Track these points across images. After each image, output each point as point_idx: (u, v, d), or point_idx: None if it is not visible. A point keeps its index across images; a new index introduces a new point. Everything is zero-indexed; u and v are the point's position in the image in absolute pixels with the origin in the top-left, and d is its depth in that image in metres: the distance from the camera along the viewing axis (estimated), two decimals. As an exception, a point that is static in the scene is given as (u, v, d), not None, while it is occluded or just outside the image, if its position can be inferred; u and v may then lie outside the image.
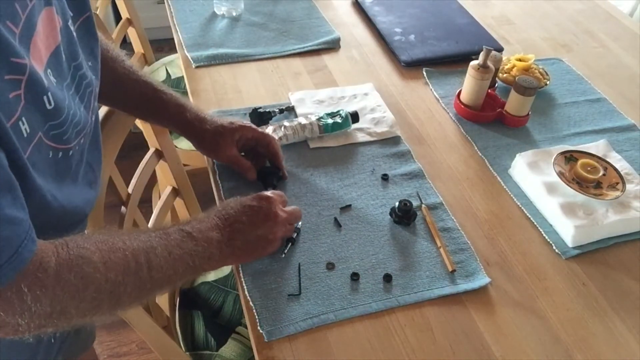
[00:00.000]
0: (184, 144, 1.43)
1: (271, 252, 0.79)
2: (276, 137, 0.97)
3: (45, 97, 0.55)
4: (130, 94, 0.86)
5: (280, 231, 0.77)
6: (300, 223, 0.85)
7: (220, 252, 0.71)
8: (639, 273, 0.85)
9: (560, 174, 0.92)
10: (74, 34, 0.61)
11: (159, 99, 0.87)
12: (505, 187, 0.97)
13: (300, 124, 0.99)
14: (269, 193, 0.78)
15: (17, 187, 0.51)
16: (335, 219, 0.87)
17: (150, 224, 1.05)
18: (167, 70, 1.68)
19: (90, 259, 0.56)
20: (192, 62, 1.19)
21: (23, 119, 0.52)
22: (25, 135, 0.53)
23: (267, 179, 0.90)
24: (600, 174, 0.93)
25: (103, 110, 0.88)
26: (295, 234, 0.83)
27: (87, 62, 0.66)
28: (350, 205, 0.89)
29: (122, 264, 0.59)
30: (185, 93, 1.33)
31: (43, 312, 0.53)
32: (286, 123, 0.99)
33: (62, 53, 0.60)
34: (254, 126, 0.91)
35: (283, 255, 0.81)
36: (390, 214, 0.88)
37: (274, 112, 1.04)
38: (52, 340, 0.79)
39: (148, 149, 1.07)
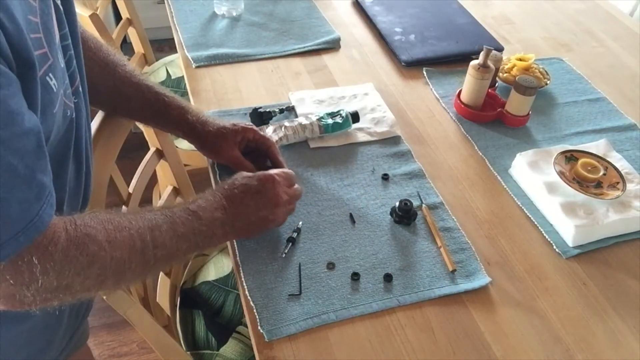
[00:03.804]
0: (184, 144, 1.43)
1: (273, 228, 0.83)
2: (276, 137, 0.97)
3: (59, 54, 0.57)
4: (131, 98, 0.86)
5: (281, 211, 0.80)
6: (300, 223, 0.85)
7: (223, 231, 0.74)
8: (639, 272, 0.85)
9: (561, 174, 0.92)
10: (60, 7, 0.62)
11: (160, 102, 0.87)
12: (505, 186, 0.97)
13: (300, 124, 0.99)
14: (274, 173, 0.80)
15: (46, 154, 0.53)
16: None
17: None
18: (167, 70, 1.68)
19: (96, 238, 0.58)
20: (192, 62, 1.19)
21: (50, 74, 0.54)
22: (54, 89, 0.55)
23: None
24: (601, 173, 0.93)
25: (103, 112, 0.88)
26: (296, 234, 0.83)
27: (71, 37, 0.66)
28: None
29: (128, 242, 0.61)
30: (185, 93, 1.33)
31: (49, 285, 0.54)
32: (286, 123, 0.99)
33: (53, 20, 0.60)
34: (255, 128, 0.91)
35: (283, 255, 0.81)
36: (391, 214, 0.88)
37: (274, 112, 1.04)
38: (59, 338, 0.80)
39: (148, 148, 1.07)
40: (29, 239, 0.51)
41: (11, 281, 0.52)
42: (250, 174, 0.80)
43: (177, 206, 0.71)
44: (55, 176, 0.58)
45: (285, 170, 0.84)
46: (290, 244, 0.82)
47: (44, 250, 0.53)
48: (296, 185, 0.84)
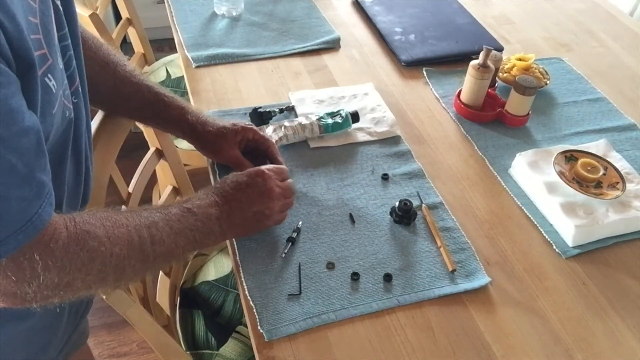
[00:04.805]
0: (184, 143, 1.42)
1: (272, 225, 0.82)
2: (277, 137, 0.97)
3: (58, 55, 0.58)
4: (131, 98, 0.86)
5: (276, 205, 0.79)
6: (300, 223, 0.85)
7: (220, 228, 0.74)
8: (639, 272, 0.85)
9: (561, 174, 0.92)
10: (60, 8, 0.62)
11: (160, 102, 0.87)
12: (505, 186, 0.97)
13: (300, 124, 0.99)
14: (263, 168, 0.80)
15: (45, 153, 0.54)
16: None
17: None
18: (167, 70, 1.68)
19: (96, 234, 0.59)
20: (192, 62, 1.19)
21: (49, 75, 0.55)
22: (53, 90, 0.55)
23: None
24: (601, 173, 0.93)
25: (103, 111, 0.88)
26: (295, 234, 0.83)
27: (71, 37, 0.67)
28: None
29: (126, 238, 0.62)
30: (185, 93, 1.33)
31: (51, 282, 0.55)
32: (286, 123, 0.99)
33: (52, 21, 0.60)
34: (255, 128, 0.91)
35: (283, 255, 0.81)
36: (391, 214, 0.88)
37: (274, 112, 1.04)
38: (59, 337, 0.80)
39: (148, 148, 1.07)
40: (28, 237, 0.51)
41: (13, 278, 0.52)
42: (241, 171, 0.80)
43: (172, 205, 0.72)
44: (54, 176, 0.58)
45: (277, 165, 0.84)
46: (290, 243, 0.82)
47: (45, 247, 0.53)
48: (289, 180, 0.84)
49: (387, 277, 0.79)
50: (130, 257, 0.62)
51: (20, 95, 0.49)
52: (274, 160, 0.91)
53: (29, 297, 0.55)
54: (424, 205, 0.90)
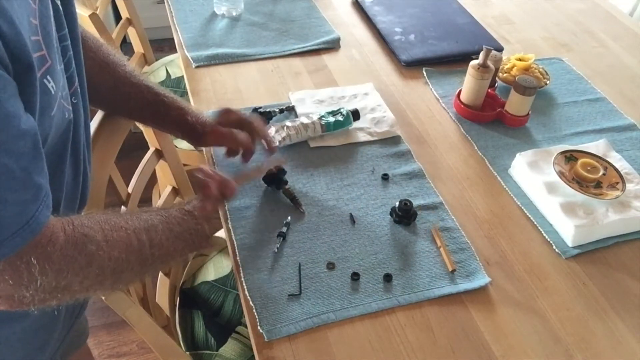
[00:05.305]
0: (183, 144, 1.43)
1: None
2: (279, 138, 0.97)
3: (57, 57, 0.58)
4: (131, 98, 0.86)
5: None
6: (289, 217, 0.86)
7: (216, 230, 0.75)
8: (639, 272, 0.85)
9: (561, 174, 0.92)
10: (60, 8, 0.62)
11: (160, 103, 0.87)
12: (505, 186, 0.97)
13: (302, 123, 0.99)
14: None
15: (43, 156, 0.53)
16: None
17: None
18: (167, 70, 1.67)
19: (94, 238, 0.58)
20: (192, 62, 1.19)
21: (48, 77, 0.54)
22: (52, 92, 0.55)
23: (273, 184, 0.90)
24: (600, 173, 0.93)
25: (102, 111, 0.88)
26: (285, 228, 0.84)
27: (70, 38, 0.67)
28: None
29: (125, 241, 0.61)
30: (185, 93, 1.33)
31: (48, 285, 0.55)
32: (288, 123, 0.99)
33: (52, 22, 0.60)
34: (240, 112, 0.90)
35: (275, 250, 0.81)
36: (391, 214, 0.88)
37: (274, 112, 1.04)
38: (55, 337, 0.80)
39: (148, 148, 1.07)
40: (25, 240, 0.51)
41: (10, 281, 0.52)
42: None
43: (173, 207, 0.72)
44: (52, 177, 0.58)
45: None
46: (282, 238, 0.82)
47: (42, 251, 0.53)
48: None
49: (387, 277, 0.79)
50: (129, 261, 0.62)
51: (17, 98, 0.49)
52: (263, 136, 0.90)
53: (26, 300, 0.54)
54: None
